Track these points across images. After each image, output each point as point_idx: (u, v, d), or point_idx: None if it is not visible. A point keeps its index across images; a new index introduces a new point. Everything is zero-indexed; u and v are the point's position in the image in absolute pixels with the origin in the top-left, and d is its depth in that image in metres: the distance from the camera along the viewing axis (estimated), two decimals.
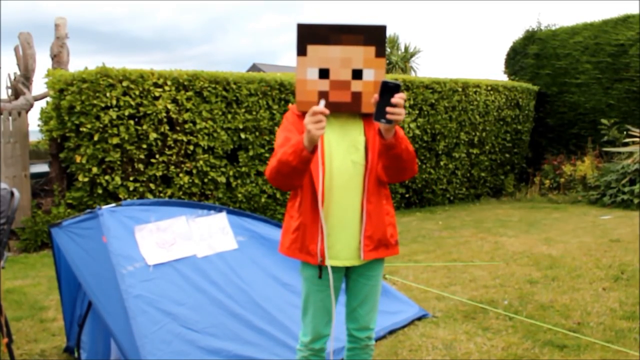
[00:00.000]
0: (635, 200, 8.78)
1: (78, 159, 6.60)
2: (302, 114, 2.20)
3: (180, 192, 7.20)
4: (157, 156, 7.01)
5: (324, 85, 2.16)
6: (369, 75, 2.15)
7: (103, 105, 6.58)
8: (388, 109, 1.96)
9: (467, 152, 10.38)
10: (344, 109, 2.19)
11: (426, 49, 53.74)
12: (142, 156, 6.91)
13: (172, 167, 7.12)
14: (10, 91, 8.47)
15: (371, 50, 2.13)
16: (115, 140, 6.64)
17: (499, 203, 10.46)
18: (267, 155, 7.87)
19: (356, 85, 2.16)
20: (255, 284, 3.20)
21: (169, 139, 7.06)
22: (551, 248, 6.12)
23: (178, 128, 7.14)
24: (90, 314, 3.24)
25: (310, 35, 2.13)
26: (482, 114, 10.45)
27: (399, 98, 1.94)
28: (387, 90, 1.96)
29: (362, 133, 2.22)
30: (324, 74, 2.15)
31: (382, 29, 2.12)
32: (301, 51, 2.15)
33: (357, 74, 2.15)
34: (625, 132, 9.95)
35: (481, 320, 3.94)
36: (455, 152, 10.18)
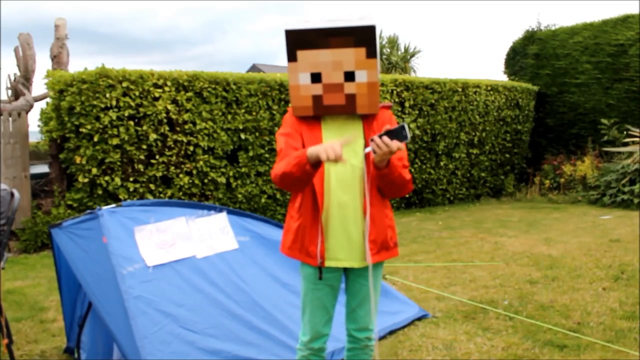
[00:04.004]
0: (635, 200, 8.78)
1: (78, 159, 6.60)
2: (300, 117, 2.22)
3: (180, 193, 7.20)
4: (157, 157, 7.01)
5: (317, 89, 2.14)
6: (361, 76, 2.11)
7: (103, 106, 6.59)
8: (379, 139, 1.95)
9: (467, 152, 10.38)
10: (339, 111, 2.17)
11: (426, 49, 53.60)
12: (142, 157, 6.91)
13: (172, 168, 7.12)
14: (10, 92, 8.48)
15: (362, 51, 2.07)
16: (115, 141, 6.64)
17: (499, 203, 10.45)
18: (267, 155, 7.87)
19: (349, 88, 2.12)
20: (255, 284, 3.20)
21: (168, 139, 7.06)
22: (551, 248, 6.12)
23: (178, 129, 7.14)
24: (90, 315, 3.24)
25: (298, 41, 2.08)
26: (482, 114, 10.45)
27: (393, 143, 1.93)
28: (396, 134, 1.95)
29: (362, 136, 2.20)
30: (316, 78, 2.12)
31: (371, 29, 2.05)
32: (291, 57, 2.11)
33: (349, 76, 2.11)
34: (625, 132, 9.96)
35: (481, 321, 3.94)
36: (455, 152, 10.18)
